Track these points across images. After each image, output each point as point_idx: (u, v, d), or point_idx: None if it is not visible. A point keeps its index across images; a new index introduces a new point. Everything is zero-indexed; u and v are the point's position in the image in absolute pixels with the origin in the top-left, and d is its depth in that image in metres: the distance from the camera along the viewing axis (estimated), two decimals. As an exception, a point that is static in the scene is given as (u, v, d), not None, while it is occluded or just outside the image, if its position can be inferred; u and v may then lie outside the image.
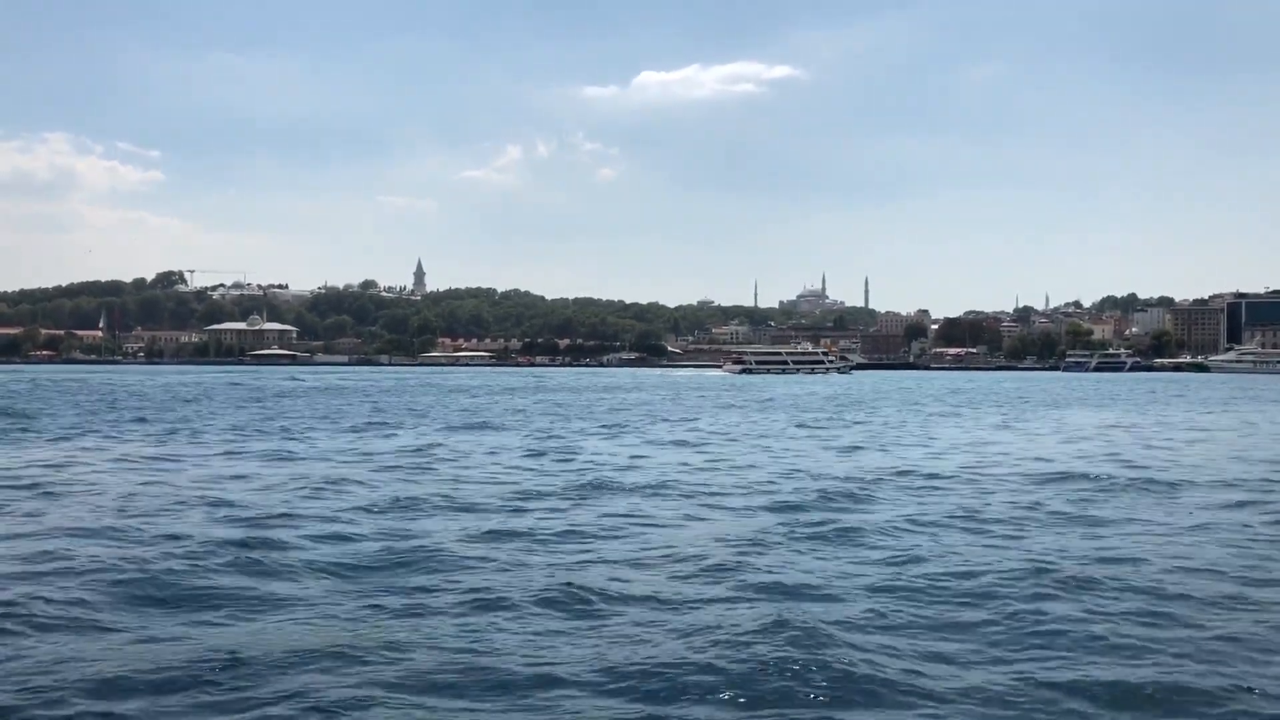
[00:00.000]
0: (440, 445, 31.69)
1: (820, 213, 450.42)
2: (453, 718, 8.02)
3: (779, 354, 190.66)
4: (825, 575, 12.57)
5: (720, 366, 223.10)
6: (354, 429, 39.66)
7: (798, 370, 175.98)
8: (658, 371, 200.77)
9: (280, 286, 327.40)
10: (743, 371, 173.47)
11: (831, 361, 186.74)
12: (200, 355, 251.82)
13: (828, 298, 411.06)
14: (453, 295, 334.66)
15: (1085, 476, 23.23)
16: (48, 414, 48.14)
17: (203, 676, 8.72)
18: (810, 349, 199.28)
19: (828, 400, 73.92)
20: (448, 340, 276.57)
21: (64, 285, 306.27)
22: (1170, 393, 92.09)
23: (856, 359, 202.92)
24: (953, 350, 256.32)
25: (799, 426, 43.25)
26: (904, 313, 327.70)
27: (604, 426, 42.29)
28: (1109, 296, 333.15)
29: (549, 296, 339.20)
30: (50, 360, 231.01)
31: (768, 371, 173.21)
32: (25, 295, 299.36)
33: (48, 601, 11.01)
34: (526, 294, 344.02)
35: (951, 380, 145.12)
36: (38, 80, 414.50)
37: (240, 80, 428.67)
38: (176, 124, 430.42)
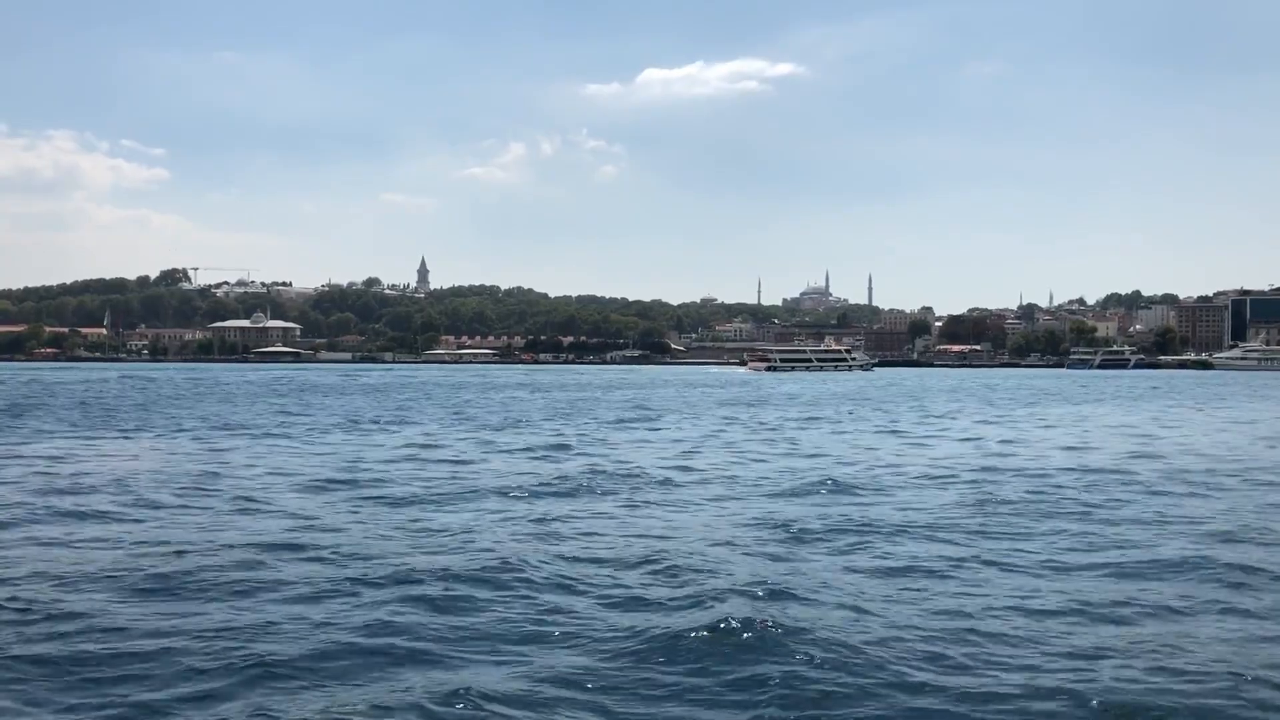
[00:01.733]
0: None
1: (823, 210, 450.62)
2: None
3: (803, 351, 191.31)
4: None
5: (726, 363, 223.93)
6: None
7: (822, 368, 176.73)
8: (676, 369, 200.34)
9: (284, 284, 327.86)
10: (768, 369, 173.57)
11: (855, 359, 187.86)
12: (204, 353, 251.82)
13: (831, 295, 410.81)
14: (456, 293, 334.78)
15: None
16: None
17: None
18: (834, 346, 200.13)
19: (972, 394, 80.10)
20: (451, 338, 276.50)
21: (68, 283, 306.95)
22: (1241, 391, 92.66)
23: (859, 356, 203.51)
24: (956, 347, 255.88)
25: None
26: (907, 310, 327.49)
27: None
28: (1113, 294, 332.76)
29: (552, 294, 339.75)
30: (54, 358, 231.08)
31: (792, 369, 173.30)
32: (29, 293, 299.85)
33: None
34: (529, 291, 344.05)
35: (989, 377, 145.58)
36: (43, 78, 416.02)
37: (244, 79, 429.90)
38: (181, 122, 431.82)
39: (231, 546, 14.37)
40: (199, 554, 13.82)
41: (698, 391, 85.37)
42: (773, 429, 40.83)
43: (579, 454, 29.16)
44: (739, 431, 39.37)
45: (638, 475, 23.69)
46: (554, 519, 17.14)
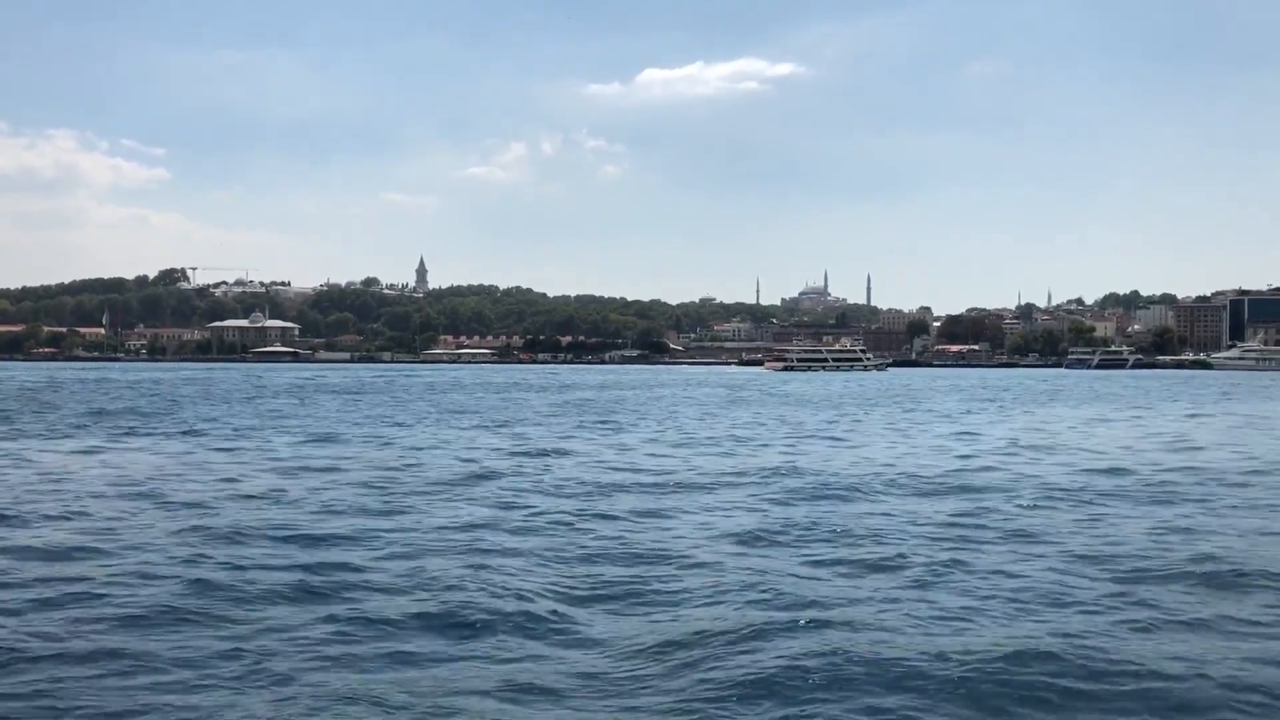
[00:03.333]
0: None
1: (823, 210, 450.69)
2: None
3: (819, 351, 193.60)
4: None
5: (725, 362, 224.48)
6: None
7: (838, 367, 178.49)
8: (689, 369, 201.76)
9: (283, 284, 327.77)
10: (785, 369, 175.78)
11: (869, 360, 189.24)
12: (202, 353, 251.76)
13: (830, 295, 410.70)
14: (455, 292, 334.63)
15: None
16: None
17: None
18: (849, 346, 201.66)
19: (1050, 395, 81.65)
20: (449, 338, 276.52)
21: (67, 282, 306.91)
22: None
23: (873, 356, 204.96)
24: (955, 347, 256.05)
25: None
26: (906, 310, 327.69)
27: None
28: (1111, 294, 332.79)
29: (551, 294, 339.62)
30: (52, 358, 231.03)
31: (808, 369, 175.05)
32: (28, 292, 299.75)
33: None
34: (528, 291, 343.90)
35: (995, 377, 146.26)
36: (43, 77, 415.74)
37: (245, 78, 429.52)
38: (181, 121, 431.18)
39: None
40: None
41: (784, 389, 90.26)
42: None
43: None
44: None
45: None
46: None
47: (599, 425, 43.87)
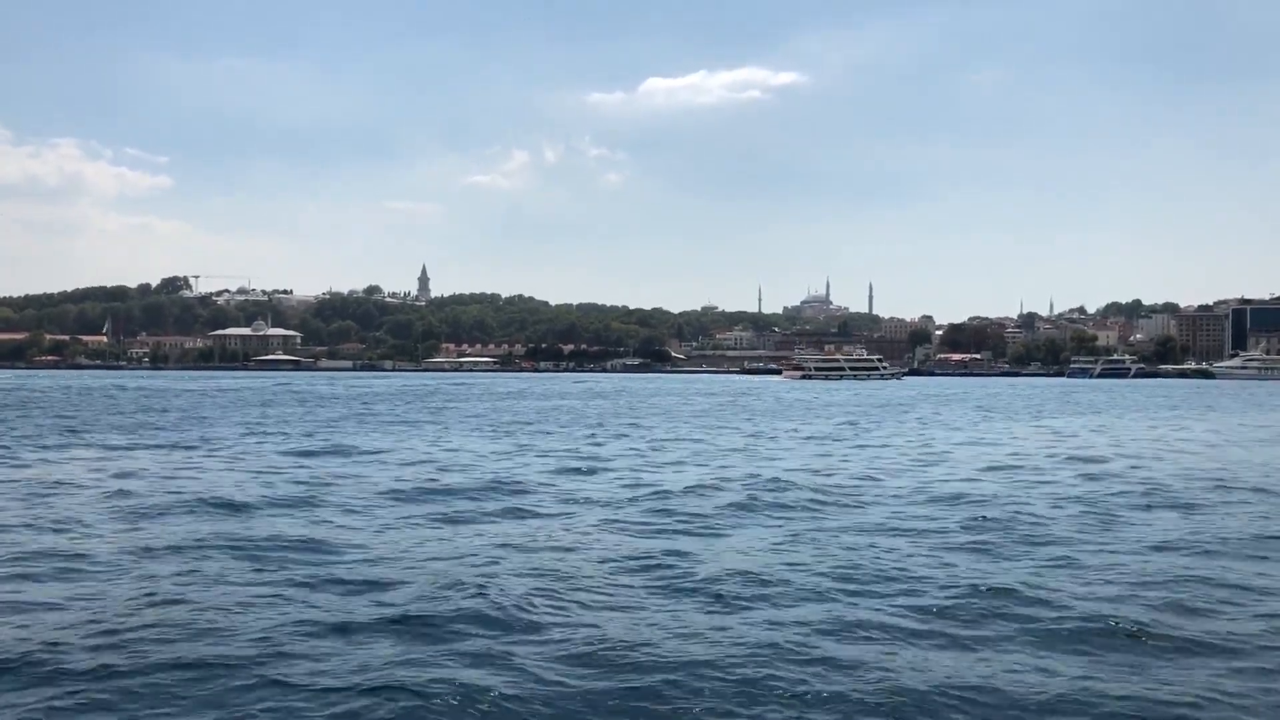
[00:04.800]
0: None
1: (825, 218, 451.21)
2: None
3: (837, 360, 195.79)
4: None
5: (727, 370, 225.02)
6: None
7: (855, 376, 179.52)
8: (709, 377, 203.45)
9: (285, 292, 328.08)
10: (804, 377, 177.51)
11: (886, 368, 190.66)
12: (205, 361, 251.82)
13: (831, 303, 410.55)
14: (457, 301, 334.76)
15: None
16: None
17: None
18: (865, 355, 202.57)
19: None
20: (451, 346, 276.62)
21: (69, 290, 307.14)
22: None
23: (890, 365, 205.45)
24: (957, 356, 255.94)
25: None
26: (908, 318, 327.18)
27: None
28: (1114, 302, 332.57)
29: (553, 302, 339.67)
30: (55, 366, 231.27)
31: (826, 378, 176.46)
32: (31, 300, 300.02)
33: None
34: (530, 299, 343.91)
35: (1001, 386, 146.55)
36: (48, 86, 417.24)
37: (248, 85, 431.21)
38: (185, 129, 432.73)
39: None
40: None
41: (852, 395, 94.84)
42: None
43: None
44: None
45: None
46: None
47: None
